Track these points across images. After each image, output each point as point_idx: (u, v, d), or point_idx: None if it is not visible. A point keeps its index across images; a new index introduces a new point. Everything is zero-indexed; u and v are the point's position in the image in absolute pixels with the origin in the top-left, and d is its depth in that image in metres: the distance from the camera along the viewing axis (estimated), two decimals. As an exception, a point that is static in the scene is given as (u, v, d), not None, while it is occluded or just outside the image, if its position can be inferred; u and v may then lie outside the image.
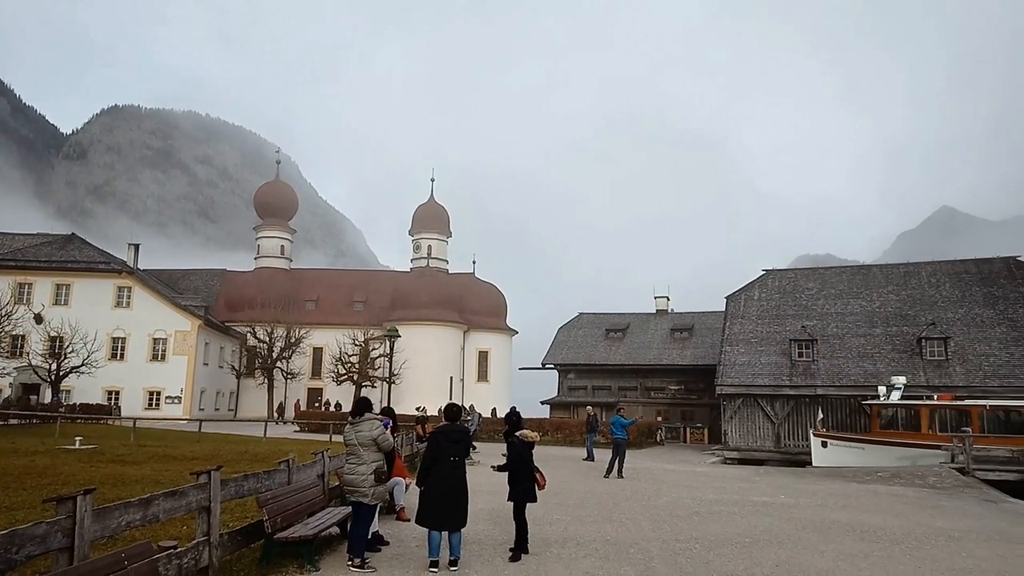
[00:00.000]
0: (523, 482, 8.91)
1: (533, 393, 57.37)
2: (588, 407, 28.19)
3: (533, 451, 9.36)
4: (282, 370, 57.17)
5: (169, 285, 60.83)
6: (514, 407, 13.36)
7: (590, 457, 24.73)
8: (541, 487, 9.13)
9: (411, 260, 70.66)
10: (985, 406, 27.67)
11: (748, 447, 34.82)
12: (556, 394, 53.03)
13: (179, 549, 6.36)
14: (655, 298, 57.45)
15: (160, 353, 52.42)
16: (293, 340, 57.17)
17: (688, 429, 46.46)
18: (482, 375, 64.12)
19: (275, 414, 53.57)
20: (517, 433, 9.20)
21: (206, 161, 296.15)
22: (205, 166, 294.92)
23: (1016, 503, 16.88)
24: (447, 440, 8.04)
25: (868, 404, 30.53)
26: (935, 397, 29.45)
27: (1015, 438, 25.44)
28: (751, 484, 18.86)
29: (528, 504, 8.96)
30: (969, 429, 25.22)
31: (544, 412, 51.12)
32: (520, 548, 8.78)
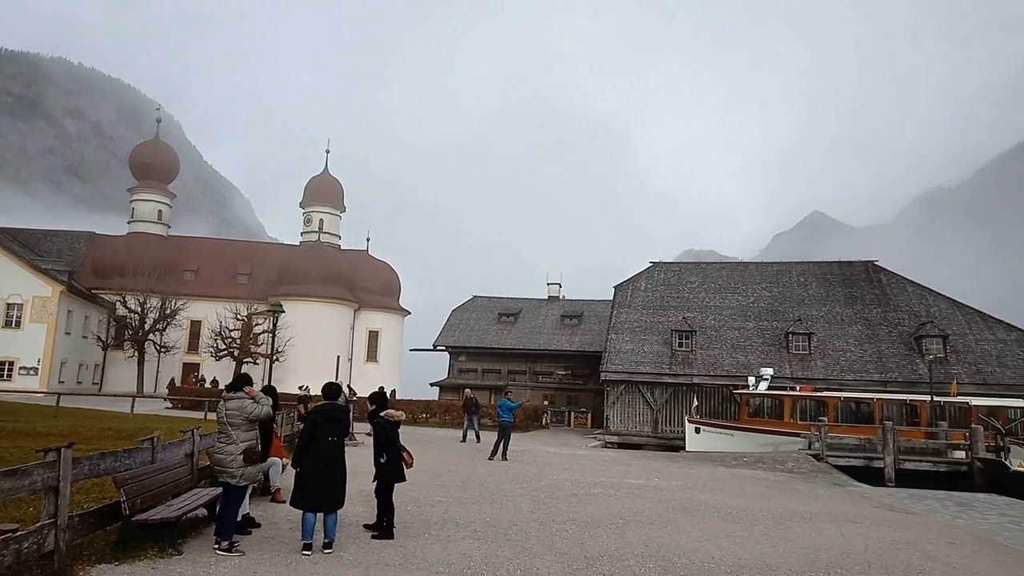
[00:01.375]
0: (390, 462, 8.74)
1: (424, 375, 57.15)
2: (467, 390, 28.37)
3: (399, 430, 9.21)
4: (155, 343, 53.83)
5: (28, 246, 55.69)
6: (381, 387, 13.22)
7: (465, 439, 24.99)
8: (409, 465, 8.99)
9: (301, 234, 68.21)
10: (840, 398, 30.13)
11: (628, 432, 36.22)
12: (446, 376, 53.02)
13: (19, 533, 5.83)
14: (548, 285, 58.50)
15: (15, 320, 48.01)
16: (168, 312, 53.90)
17: (573, 413, 47.77)
18: (371, 355, 63.05)
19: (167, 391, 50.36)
20: (382, 413, 9.00)
21: (77, 114, 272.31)
22: (76, 119, 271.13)
23: (861, 487, 18.48)
24: (325, 419, 7.78)
25: (738, 393, 32.47)
26: (797, 388, 31.73)
27: (863, 427, 27.85)
28: (628, 467, 19.62)
29: (397, 485, 8.83)
30: (825, 419, 27.40)
31: (434, 394, 51.03)
32: (382, 527, 8.64)
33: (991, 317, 36.43)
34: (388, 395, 10.77)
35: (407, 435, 26.35)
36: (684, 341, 37.58)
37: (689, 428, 30.31)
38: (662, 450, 31.63)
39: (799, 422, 28.84)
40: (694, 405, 33.52)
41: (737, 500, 13.70)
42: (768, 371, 32.02)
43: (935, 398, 28.29)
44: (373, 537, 8.50)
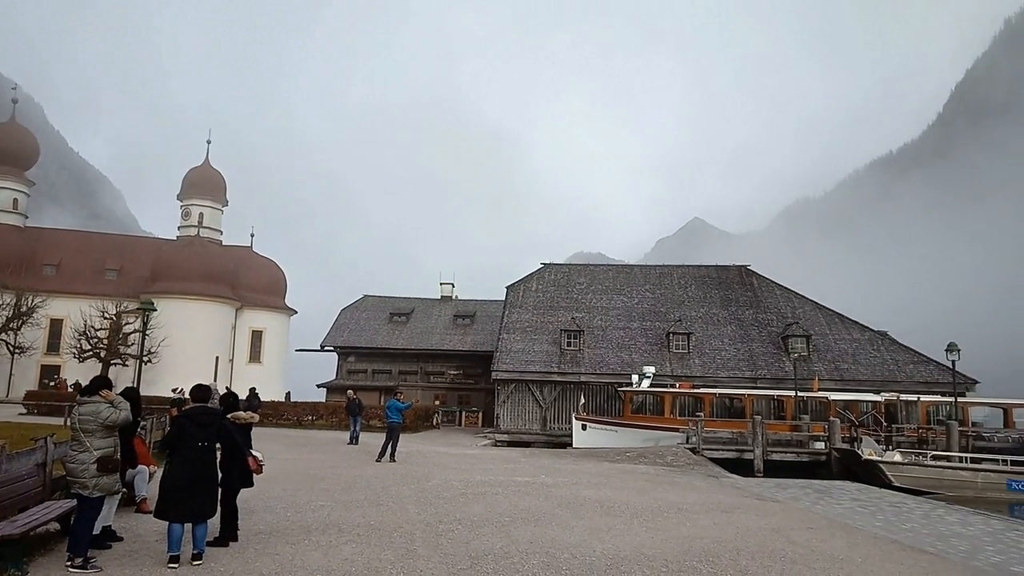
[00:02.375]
0: (237, 466, 8.34)
1: (311, 376, 55.36)
2: (350, 391, 27.79)
3: (251, 434, 8.83)
4: (7, 343, 49.13)
5: None
6: (229, 389, 12.75)
7: (353, 441, 24.45)
8: (255, 472, 8.57)
9: (179, 228, 64.36)
10: (715, 394, 31.86)
11: (518, 430, 36.66)
12: (335, 377, 51.62)
13: None
14: (441, 284, 58.21)
15: None
16: (24, 309, 49.33)
17: (464, 413, 47.79)
18: (255, 356, 60.45)
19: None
20: (229, 415, 8.58)
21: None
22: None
23: (733, 478, 19.57)
24: (193, 424, 7.33)
25: (622, 391, 33.62)
26: (677, 385, 33.27)
27: (736, 422, 29.60)
28: (516, 465, 19.82)
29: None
30: (702, 414, 28.88)
31: (320, 396, 49.54)
32: (228, 535, 8.26)
33: (848, 318, 39.66)
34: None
35: (293, 439, 25.49)
36: (573, 340, 38.48)
37: (576, 425, 31.07)
38: (551, 447, 32.24)
39: (678, 418, 30.25)
40: (581, 403, 34.39)
41: (619, 494, 14.14)
42: (650, 369, 33.37)
43: (799, 394, 30.47)
44: (210, 544, 7.89)
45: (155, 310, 25.12)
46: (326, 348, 51.99)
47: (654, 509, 12.32)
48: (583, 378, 36.78)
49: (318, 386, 51.19)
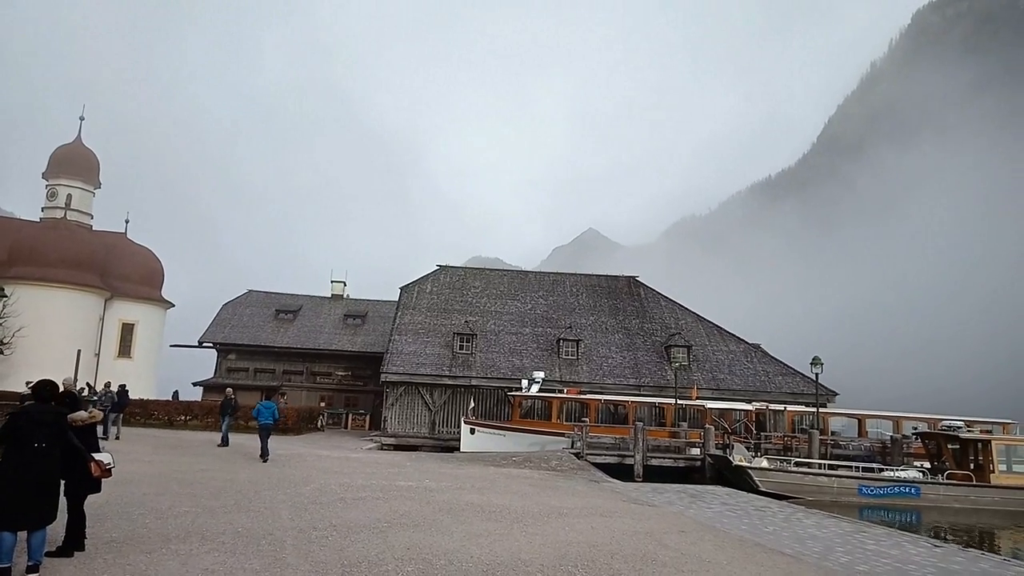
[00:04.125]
0: (79, 470, 7.68)
1: (187, 374, 52.18)
2: (228, 389, 26.51)
3: (96, 435, 8.18)
4: None
5: None
6: (69, 386, 11.81)
7: (223, 442, 23.28)
8: (95, 476, 7.83)
9: (43, 209, 59.07)
10: (600, 400, 32.69)
11: (405, 433, 36.12)
12: (213, 375, 49.00)
13: None
14: (332, 282, 56.59)
15: None
16: None
17: (351, 415, 46.61)
18: (124, 350, 56.25)
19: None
20: (70, 416, 7.87)
21: None
22: None
23: (613, 482, 20.09)
24: (31, 422, 6.63)
25: (512, 395, 33.86)
26: (565, 391, 33.88)
27: (619, 428, 30.47)
28: (401, 469, 19.47)
29: (91, 494, 7.85)
30: (587, 420, 29.55)
31: (197, 394, 46.86)
32: (73, 544, 7.61)
33: (726, 331, 41.83)
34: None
35: (163, 439, 23.89)
36: (465, 344, 38.39)
37: (465, 429, 30.99)
38: (438, 451, 31.97)
39: (565, 423, 30.80)
40: (471, 406, 34.34)
41: (502, 499, 14.14)
42: (540, 374, 33.82)
43: (679, 401, 31.78)
44: (51, 554, 7.19)
45: (7, 296, 22.92)
46: (204, 344, 49.31)
47: (535, 514, 12.39)
48: (474, 382, 36.75)
49: (194, 384, 48.42)
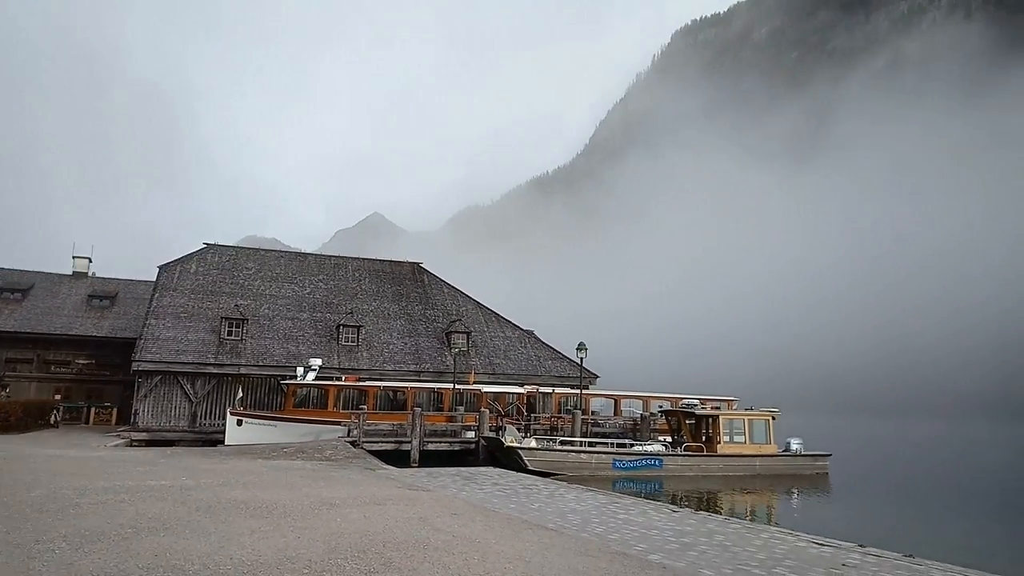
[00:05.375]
0: None
1: None
2: None
3: None
4: None
5: None
6: None
7: None
8: None
9: None
10: (380, 387, 32.40)
11: (160, 427, 32.83)
12: (-93, 365, 40.47)
13: None
14: (74, 258, 49.48)
15: None
16: None
17: (94, 409, 41.23)
18: None
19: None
20: None
21: None
22: None
23: (389, 469, 20.01)
24: None
25: (285, 384, 32.30)
26: (343, 378, 33.05)
27: (398, 414, 30.47)
28: (153, 467, 17.62)
29: None
30: (365, 407, 29.13)
31: None
32: None
33: (503, 318, 43.62)
34: None
35: None
36: (234, 329, 35.78)
37: (231, 420, 28.96)
38: (200, 445, 29.53)
39: (342, 411, 30.06)
40: (239, 396, 32.16)
41: (269, 493, 13.39)
42: (317, 361, 32.60)
43: (457, 386, 32.54)
44: None
45: None
46: None
47: (305, 507, 11.89)
48: (243, 370, 34.40)
49: None
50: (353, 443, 25.15)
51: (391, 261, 46.25)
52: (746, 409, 31.62)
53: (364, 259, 46.19)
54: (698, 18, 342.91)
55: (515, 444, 25.45)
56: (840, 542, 11.94)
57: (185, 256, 40.33)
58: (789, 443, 30.17)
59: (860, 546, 11.55)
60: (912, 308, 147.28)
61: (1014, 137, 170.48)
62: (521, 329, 43.22)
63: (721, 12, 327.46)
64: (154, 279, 38.72)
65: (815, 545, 11.54)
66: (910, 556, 10.92)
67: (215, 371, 34.08)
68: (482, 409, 29.58)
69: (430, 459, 26.13)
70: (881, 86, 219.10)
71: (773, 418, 29.99)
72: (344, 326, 38.01)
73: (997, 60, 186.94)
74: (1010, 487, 30.66)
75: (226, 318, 35.88)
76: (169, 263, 39.31)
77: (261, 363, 34.89)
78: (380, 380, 34.21)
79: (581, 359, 31.69)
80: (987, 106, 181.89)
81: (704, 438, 28.82)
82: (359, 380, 33.21)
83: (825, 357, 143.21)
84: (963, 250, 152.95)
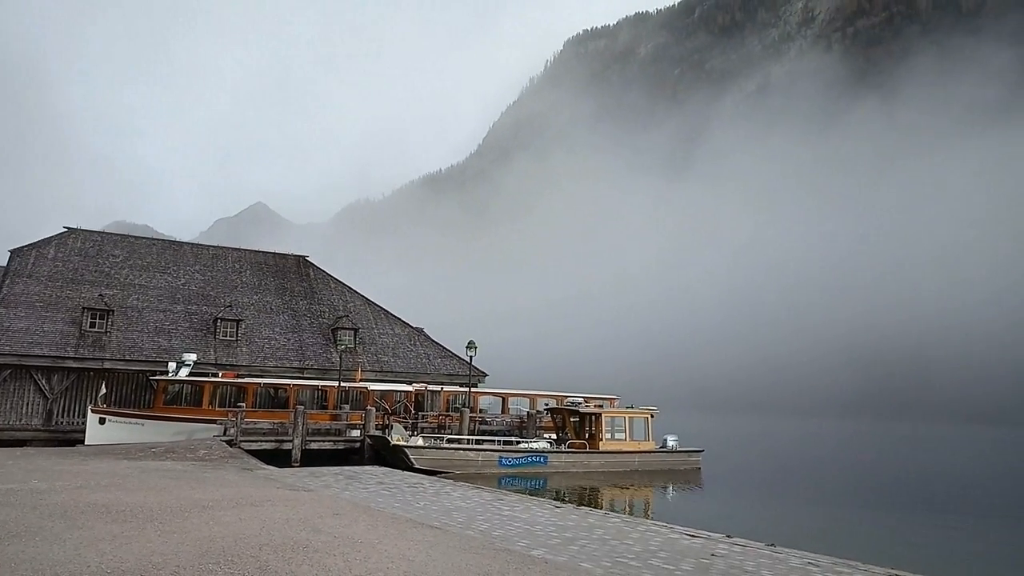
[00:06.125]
0: None
1: None
2: None
3: None
4: None
5: None
6: None
7: None
8: None
9: None
10: (260, 384, 31.08)
11: (9, 426, 29.91)
12: None
13: None
14: (-94, 237, 44.21)
15: None
16: None
17: (-73, 406, 36.99)
18: None
19: None
20: None
21: None
22: None
23: (269, 469, 19.24)
24: None
25: (155, 380, 30.33)
26: (220, 375, 31.44)
27: (279, 412, 29.33)
28: (-1, 470, 16.05)
29: None
30: (243, 404, 27.84)
31: None
32: None
33: (393, 315, 42.98)
34: None
35: None
36: (98, 321, 33.15)
37: (92, 419, 26.84)
38: (55, 445, 27.18)
39: (218, 408, 28.59)
40: (101, 393, 29.85)
41: (134, 496, 12.52)
42: (191, 356, 30.79)
43: (342, 384, 31.76)
44: None
45: None
46: None
47: (174, 510, 11.21)
48: (108, 364, 31.93)
49: None
50: (229, 442, 23.98)
51: (275, 253, 44.46)
52: (627, 407, 32.85)
53: (246, 250, 44.11)
54: (589, 28, 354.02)
55: (401, 442, 25.16)
56: (710, 533, 12.64)
57: (42, 240, 36.96)
58: (666, 440, 31.63)
59: (728, 537, 12.27)
60: (773, 310, 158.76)
61: (853, 164, 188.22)
62: (411, 327, 42.76)
63: (610, 24, 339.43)
64: (3, 264, 35.25)
65: (687, 537, 12.15)
66: (772, 545, 11.72)
67: (75, 365, 31.44)
68: (368, 407, 29.02)
69: (313, 459, 25.34)
70: (751, 107, 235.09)
71: (652, 416, 31.32)
72: (222, 320, 36.14)
73: (847, 91, 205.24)
74: (863, 478, 33.65)
75: (89, 308, 33.19)
76: (23, 247, 35.89)
77: (128, 357, 32.53)
78: (261, 377, 32.81)
79: (471, 357, 31.80)
80: (834, 133, 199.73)
81: (587, 435, 29.66)
82: (237, 376, 31.70)
83: (701, 358, 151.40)
84: (813, 256, 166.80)
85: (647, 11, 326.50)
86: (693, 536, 12.21)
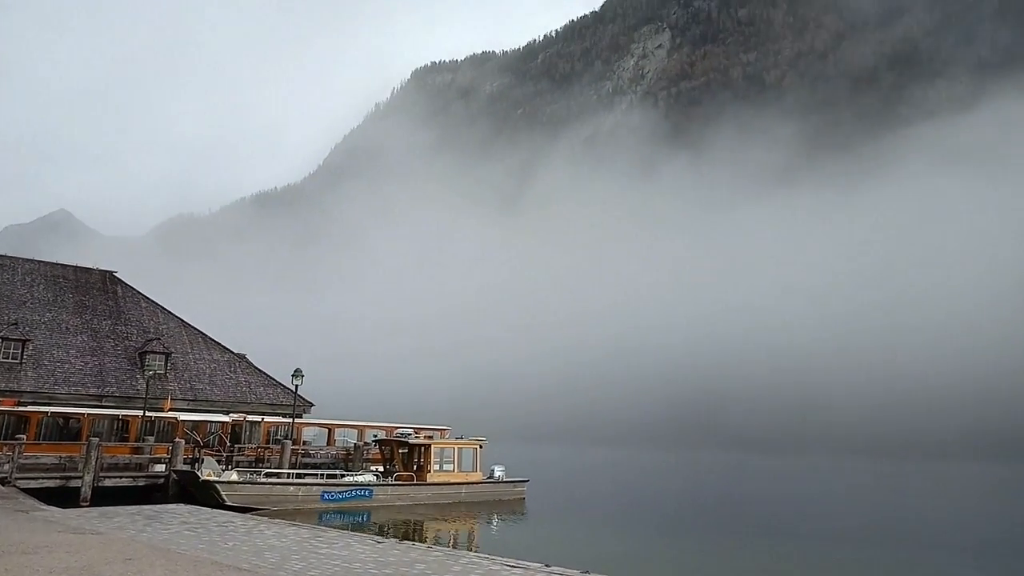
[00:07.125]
0: None
1: None
2: None
3: None
4: None
5: None
6: None
7: None
8: None
9: None
10: (47, 413, 27.57)
11: None
12: None
13: None
14: None
15: None
16: None
17: None
18: None
19: None
20: None
21: None
22: None
23: (49, 510, 16.98)
24: None
25: (-89, 408, 25.91)
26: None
27: (69, 445, 26.11)
28: None
29: None
30: (25, 436, 24.49)
31: None
32: None
33: (212, 339, 40.05)
34: None
35: None
36: None
37: None
38: None
39: (-8, 441, 24.90)
40: None
41: None
42: (-40, 381, 26.70)
43: (148, 413, 28.96)
44: None
45: None
46: None
47: (-80, 563, 9.53)
48: None
49: None
50: (2, 480, 20.93)
51: (77, 267, 39.94)
52: (457, 438, 32.88)
53: (41, 262, 39.22)
54: (436, 61, 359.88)
55: (212, 478, 23.30)
56: (528, 563, 12.88)
57: None
58: (493, 470, 31.99)
59: (546, 565, 12.58)
60: (601, 345, 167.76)
61: (663, 213, 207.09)
62: (232, 352, 40.07)
63: (457, 60, 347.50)
64: None
65: (507, 567, 12.29)
66: (587, 572, 12.17)
67: None
68: (177, 439, 26.65)
69: (108, 497, 22.70)
70: (581, 152, 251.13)
71: (480, 447, 31.58)
72: (5, 339, 31.72)
73: (664, 146, 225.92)
74: (669, 505, 36.04)
75: None
76: None
77: None
78: (48, 405, 29.08)
79: (296, 386, 30.37)
80: (648, 185, 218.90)
81: (415, 467, 29.26)
82: (18, 404, 27.87)
83: (531, 390, 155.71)
84: (630, 297, 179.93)
85: (493, 51, 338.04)
86: (512, 567, 12.37)
